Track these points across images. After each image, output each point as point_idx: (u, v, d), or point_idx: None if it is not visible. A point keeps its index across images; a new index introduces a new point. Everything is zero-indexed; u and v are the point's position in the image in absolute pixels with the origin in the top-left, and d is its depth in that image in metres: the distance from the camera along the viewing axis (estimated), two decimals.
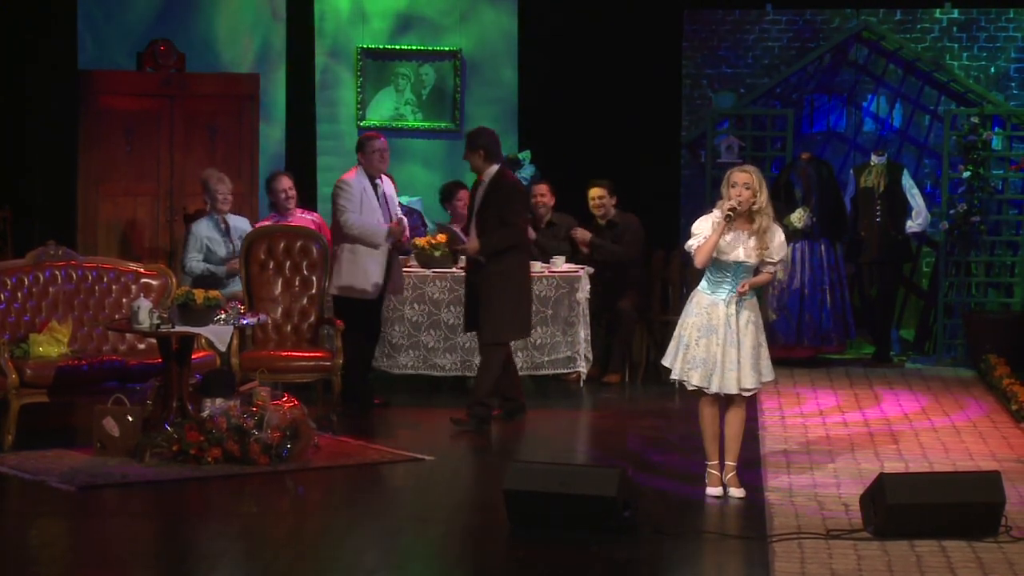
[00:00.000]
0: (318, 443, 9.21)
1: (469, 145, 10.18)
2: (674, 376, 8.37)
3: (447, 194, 12.32)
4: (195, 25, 13.07)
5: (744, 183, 8.15)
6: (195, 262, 11.38)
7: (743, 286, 8.21)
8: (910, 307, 13.96)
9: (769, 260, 8.25)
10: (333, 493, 8.59)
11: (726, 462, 8.35)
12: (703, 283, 8.34)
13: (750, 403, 8.75)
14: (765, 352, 8.34)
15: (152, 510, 8.16)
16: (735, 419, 8.34)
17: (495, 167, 10.12)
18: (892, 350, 13.19)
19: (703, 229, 8.23)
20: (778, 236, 8.29)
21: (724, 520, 7.87)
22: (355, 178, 10.69)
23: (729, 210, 8.11)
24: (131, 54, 12.80)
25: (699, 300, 8.30)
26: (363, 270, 10.61)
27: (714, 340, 8.22)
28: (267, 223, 11.53)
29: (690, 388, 8.32)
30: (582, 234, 12.06)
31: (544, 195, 12.20)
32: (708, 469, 8.38)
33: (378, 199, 10.67)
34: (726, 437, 8.34)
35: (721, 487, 8.33)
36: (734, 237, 8.20)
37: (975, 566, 6.86)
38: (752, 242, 8.20)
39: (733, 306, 8.23)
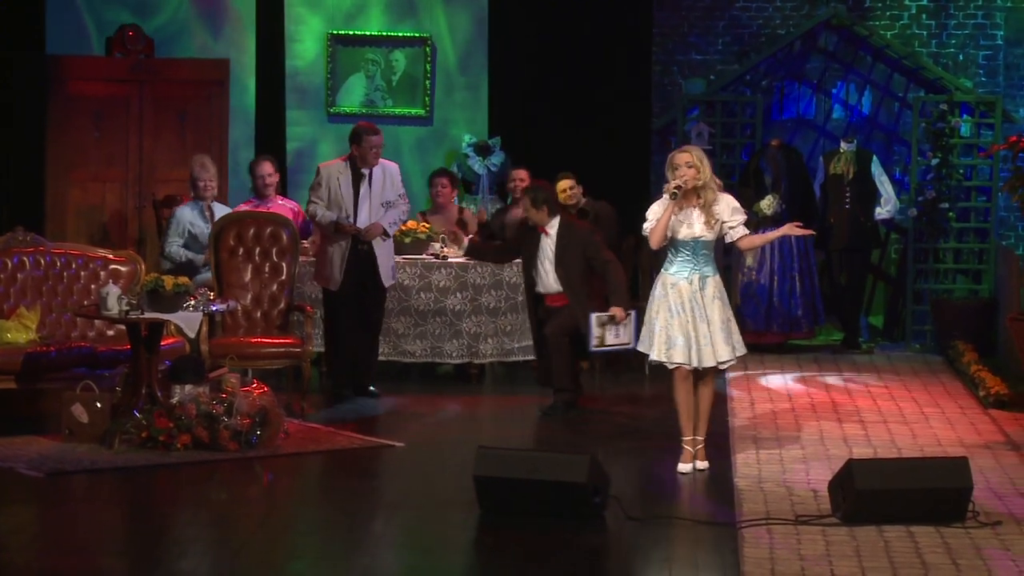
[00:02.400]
0: (288, 430, 9.21)
1: (533, 202, 10.31)
2: (653, 358, 8.52)
3: (428, 180, 12.35)
4: (164, 10, 13.02)
5: (686, 163, 8.46)
6: (176, 247, 11.34)
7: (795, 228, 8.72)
8: (879, 294, 14.01)
9: (730, 226, 8.52)
10: (303, 480, 8.59)
11: (696, 436, 8.58)
12: (666, 264, 8.59)
13: (719, 383, 8.86)
14: (735, 326, 8.61)
15: (121, 497, 8.14)
16: (707, 394, 8.60)
17: (557, 218, 10.33)
18: (861, 336, 13.23)
19: (655, 212, 8.52)
20: (727, 202, 8.56)
21: (693, 506, 7.89)
22: (333, 167, 10.64)
23: (675, 188, 8.39)
24: (100, 39, 12.75)
25: (663, 281, 8.54)
26: (329, 260, 10.60)
27: (685, 318, 8.45)
28: (245, 208, 11.53)
29: (671, 367, 8.49)
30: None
31: (524, 180, 12.17)
32: (683, 445, 8.59)
33: (360, 190, 10.57)
34: (699, 412, 8.59)
35: (692, 464, 8.54)
36: (685, 215, 8.48)
37: (943, 551, 6.90)
38: (703, 217, 8.47)
39: (696, 283, 8.49)
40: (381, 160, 10.67)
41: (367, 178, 10.62)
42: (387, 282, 10.78)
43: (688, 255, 8.49)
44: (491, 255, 11.04)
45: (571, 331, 10.15)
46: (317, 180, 10.61)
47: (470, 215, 12.37)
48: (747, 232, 8.63)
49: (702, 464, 8.60)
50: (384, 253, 10.70)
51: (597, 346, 9.96)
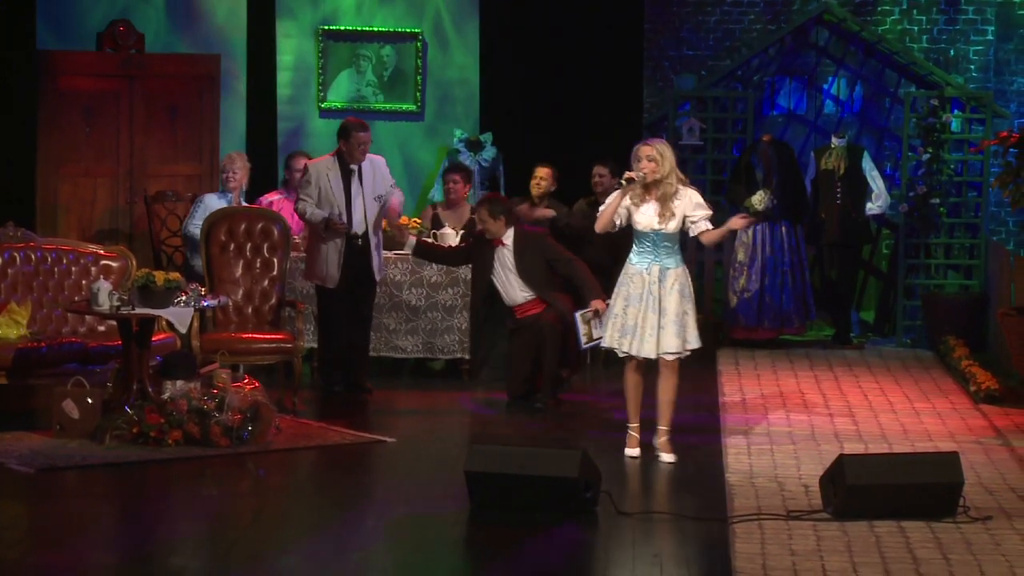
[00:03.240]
0: (279, 425, 9.20)
1: (491, 214, 10.38)
2: (605, 344, 8.86)
3: (442, 176, 12.36)
4: (155, 5, 13.00)
5: (647, 156, 8.66)
6: (195, 227, 11.32)
7: (739, 222, 8.92)
8: (870, 289, 14.02)
9: (692, 220, 8.70)
10: (294, 475, 8.59)
11: (659, 426, 8.77)
12: (630, 255, 8.81)
13: (711, 378, 8.87)
14: (691, 320, 8.73)
15: (112, 492, 8.13)
16: (666, 385, 8.75)
17: (512, 229, 10.43)
18: (852, 332, 13.25)
19: (611, 198, 8.83)
20: (691, 197, 8.72)
21: (685, 501, 7.90)
22: (321, 164, 10.61)
23: (624, 179, 8.67)
24: (90, 34, 12.73)
25: (626, 270, 8.80)
26: (323, 258, 10.56)
27: (638, 307, 8.67)
28: (273, 197, 11.76)
29: (620, 355, 8.76)
30: (542, 212, 12.04)
31: (546, 178, 12.13)
32: (628, 431, 8.85)
33: (351, 186, 10.54)
34: (659, 402, 8.77)
35: (639, 448, 8.81)
36: (646, 207, 8.70)
37: (933, 546, 6.91)
38: (658, 209, 8.66)
39: (656, 274, 8.68)
40: (367, 155, 10.66)
41: (357, 174, 10.58)
42: (379, 276, 10.77)
43: (648, 246, 8.72)
44: (440, 257, 10.99)
45: (564, 327, 10.19)
46: (306, 178, 10.58)
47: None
48: (709, 227, 8.74)
49: (667, 456, 8.70)
50: (377, 247, 10.70)
51: (587, 343, 10.02)
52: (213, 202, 11.45)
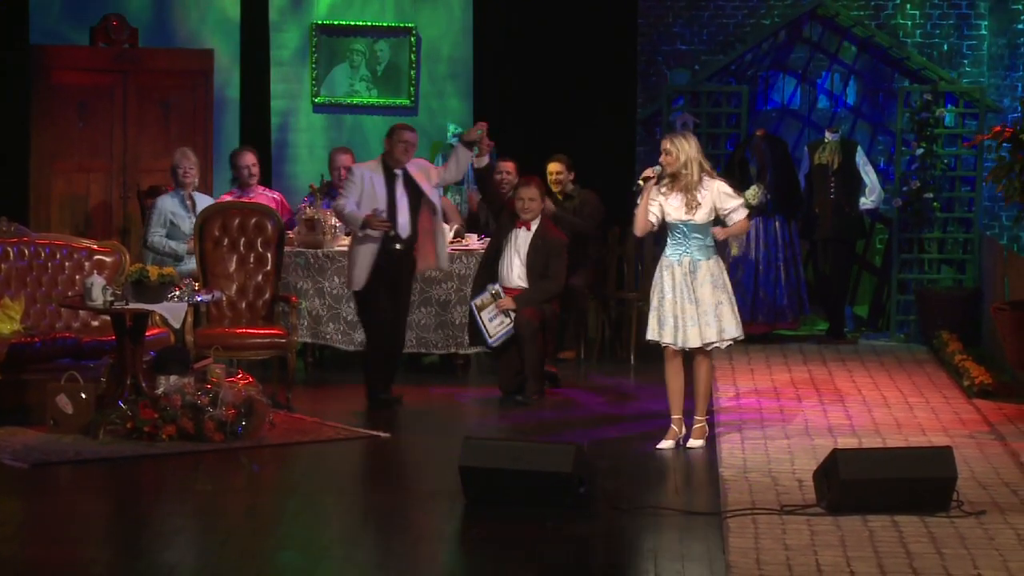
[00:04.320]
0: (273, 420, 9.20)
1: (541, 194, 10.56)
2: (649, 337, 8.96)
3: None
4: (149, 0, 12.98)
5: (664, 149, 8.87)
6: (157, 237, 11.32)
7: (720, 233, 8.92)
8: (863, 284, 14.03)
9: (725, 212, 8.86)
10: (288, 470, 8.59)
11: (694, 415, 8.92)
12: (665, 247, 8.98)
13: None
14: (727, 310, 8.88)
15: (106, 487, 8.13)
16: (702, 375, 8.92)
17: (539, 219, 10.54)
18: (846, 326, 13.25)
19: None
20: (717, 188, 8.86)
21: (679, 496, 7.91)
22: (366, 167, 10.24)
23: (641, 179, 8.90)
24: (84, 29, 12.72)
25: (661, 263, 8.95)
26: (355, 260, 10.25)
27: (674, 299, 8.82)
28: (227, 198, 11.52)
29: (663, 345, 8.88)
30: (548, 205, 12.00)
31: (511, 172, 12.12)
32: (671, 423, 8.95)
33: (395, 190, 10.24)
34: (696, 392, 8.93)
35: (674, 442, 8.89)
36: (673, 199, 8.86)
37: (927, 541, 6.92)
38: (684, 199, 8.82)
39: (687, 265, 8.84)
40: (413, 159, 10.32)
41: (401, 178, 10.21)
42: (444, 265, 10.62)
43: (680, 238, 8.88)
44: (489, 193, 11.12)
45: (540, 321, 10.23)
46: (350, 179, 10.21)
47: (448, 202, 12.27)
48: (741, 218, 8.92)
49: (696, 442, 8.88)
50: (442, 238, 10.49)
51: (478, 307, 10.37)
52: (167, 204, 11.37)
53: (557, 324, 10.89)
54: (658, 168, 8.86)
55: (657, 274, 8.95)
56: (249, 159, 11.66)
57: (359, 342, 11.33)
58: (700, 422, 8.98)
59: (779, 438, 9.15)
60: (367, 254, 10.14)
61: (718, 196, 8.85)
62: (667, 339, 8.85)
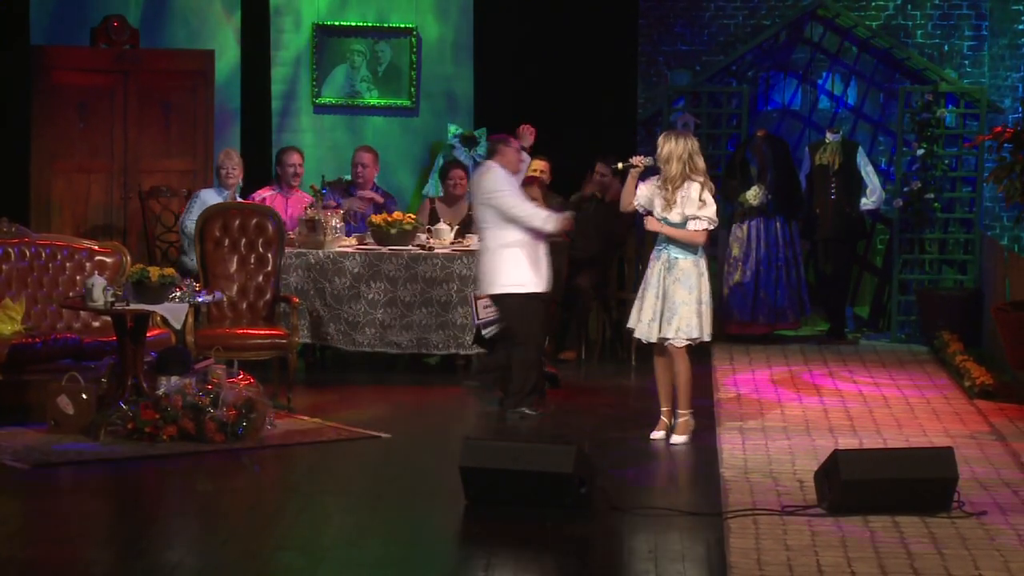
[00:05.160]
0: (274, 421, 9.20)
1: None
2: (629, 325, 9.22)
3: (442, 172, 12.35)
4: (149, 0, 12.98)
5: (658, 145, 9.10)
6: (191, 223, 11.29)
7: (651, 223, 9.08)
8: (864, 284, 14.03)
9: (691, 216, 8.98)
10: (289, 471, 8.59)
11: (675, 409, 9.13)
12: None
13: (705, 374, 8.94)
14: (691, 310, 8.98)
15: (107, 488, 8.13)
16: (680, 371, 9.08)
17: None
18: (846, 327, 13.25)
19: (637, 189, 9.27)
20: (692, 190, 8.98)
21: (679, 497, 7.91)
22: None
23: (623, 163, 9.25)
24: (84, 30, 12.71)
25: (651, 256, 9.19)
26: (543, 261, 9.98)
27: (650, 293, 9.06)
28: (268, 192, 11.73)
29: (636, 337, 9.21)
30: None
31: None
32: (661, 415, 9.22)
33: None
34: (677, 388, 9.12)
35: (663, 432, 9.13)
36: (658, 196, 9.08)
37: (928, 541, 6.92)
38: (666, 196, 9.03)
39: (664, 261, 9.05)
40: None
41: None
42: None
43: (662, 236, 9.09)
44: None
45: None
46: (517, 187, 10.05)
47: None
48: (700, 228, 8.99)
49: (679, 438, 9.06)
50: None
51: (477, 296, 10.36)
52: (210, 197, 11.43)
53: (557, 325, 10.89)
54: (648, 160, 9.12)
55: (648, 265, 9.21)
56: (296, 158, 11.94)
57: (360, 342, 11.34)
58: (683, 416, 9.11)
59: (780, 438, 9.15)
60: (545, 253, 9.95)
61: (688, 200, 8.96)
62: (632, 326, 9.17)
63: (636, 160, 9.20)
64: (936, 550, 6.79)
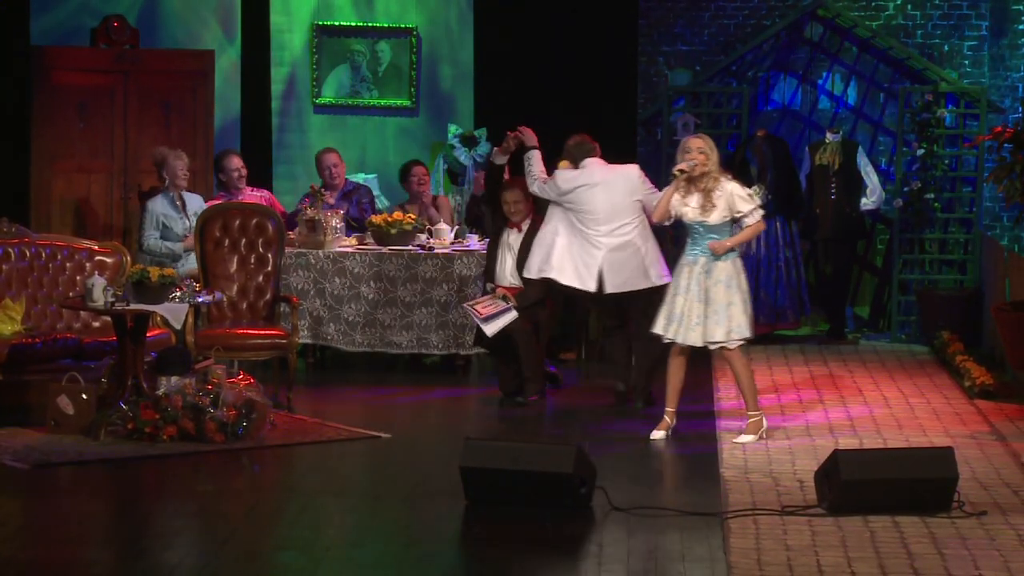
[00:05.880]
0: (274, 421, 9.20)
1: (526, 196, 10.40)
2: (655, 330, 9.14)
3: (403, 172, 12.33)
4: (149, 1, 12.98)
5: (698, 148, 9.04)
6: (152, 240, 11.34)
7: (716, 246, 9.02)
8: (864, 284, 14.03)
9: (738, 214, 9.00)
10: (289, 471, 8.59)
11: (747, 412, 9.12)
12: (684, 247, 9.19)
13: (706, 373, 8.92)
14: (738, 310, 9.02)
15: (107, 488, 8.13)
16: (737, 371, 9.11)
17: (530, 218, 10.42)
18: (846, 327, 13.25)
19: (664, 191, 9.21)
20: (729, 189, 9.00)
21: (679, 497, 7.90)
22: None
23: (676, 170, 8.98)
24: (84, 30, 12.71)
25: (680, 262, 9.15)
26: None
27: (685, 297, 9.01)
28: (218, 202, 11.52)
29: (665, 341, 9.11)
30: None
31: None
32: (664, 415, 9.19)
33: None
34: (740, 390, 9.18)
35: (664, 432, 9.12)
36: (691, 199, 9.04)
37: (928, 541, 6.92)
38: (701, 200, 8.99)
39: (703, 264, 8.99)
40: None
41: None
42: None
43: (696, 238, 9.07)
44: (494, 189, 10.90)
45: (533, 321, 10.22)
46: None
47: (445, 201, 12.40)
48: (753, 221, 9.04)
49: (746, 437, 9.02)
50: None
51: (470, 304, 10.36)
52: (158, 206, 11.38)
53: (555, 324, 10.88)
54: (692, 164, 9.00)
55: (676, 271, 9.18)
56: (236, 162, 11.82)
57: (360, 343, 11.34)
58: (753, 417, 9.10)
59: (780, 438, 9.15)
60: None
61: (732, 199, 9.00)
62: (670, 335, 9.07)
63: (684, 166, 9.03)
64: (936, 550, 6.79)
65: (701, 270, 9.01)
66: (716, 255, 8.98)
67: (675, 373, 9.16)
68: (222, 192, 11.83)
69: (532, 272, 10.15)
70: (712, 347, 9.06)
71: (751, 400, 9.11)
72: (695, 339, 9.01)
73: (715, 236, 9.00)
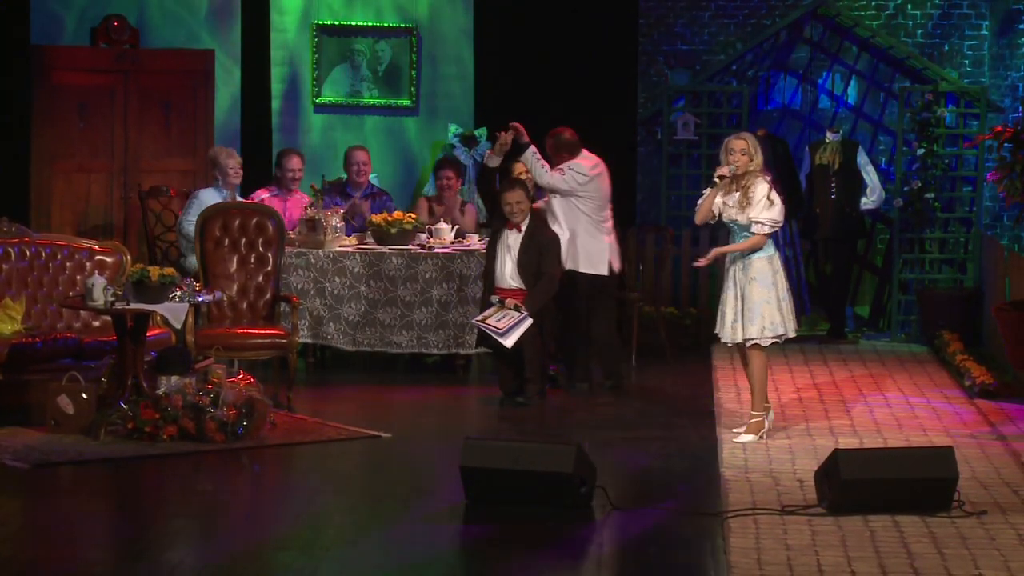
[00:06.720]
0: (274, 420, 9.20)
1: (528, 196, 10.60)
2: (716, 331, 9.20)
3: (435, 168, 12.35)
4: (149, 1, 12.98)
5: (740, 149, 9.02)
6: (192, 225, 11.25)
7: (703, 261, 9.24)
8: (864, 284, 14.03)
9: (754, 219, 8.96)
10: (289, 470, 8.59)
11: (751, 411, 9.12)
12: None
13: (706, 373, 8.89)
14: (771, 308, 9.00)
15: (107, 488, 8.13)
16: (752, 370, 9.07)
17: (529, 218, 10.52)
18: (847, 327, 13.25)
19: (706, 194, 9.21)
20: (760, 191, 8.98)
21: (680, 496, 7.90)
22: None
23: (717, 177, 9.05)
24: (84, 29, 12.72)
25: (726, 263, 9.17)
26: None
27: (726, 295, 9.09)
28: (264, 194, 11.70)
29: (722, 341, 9.16)
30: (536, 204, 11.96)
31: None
32: (758, 418, 9.17)
33: None
34: (750, 388, 9.16)
35: (755, 436, 9.04)
36: (729, 199, 9.05)
37: (928, 541, 6.92)
38: (739, 199, 8.99)
39: (740, 263, 9.03)
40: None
41: None
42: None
43: (736, 236, 9.09)
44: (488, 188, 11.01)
45: (539, 324, 10.22)
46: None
47: (471, 208, 12.32)
48: (761, 232, 8.98)
49: (746, 437, 9.00)
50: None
51: (480, 320, 10.27)
52: (209, 197, 11.41)
53: (556, 325, 10.88)
54: (733, 168, 8.97)
55: (725, 273, 9.21)
56: (296, 163, 11.92)
57: (360, 342, 11.34)
58: (756, 417, 9.08)
59: (780, 438, 9.15)
60: None
61: (756, 200, 8.97)
62: (716, 330, 9.18)
63: (725, 171, 9.02)
64: (936, 550, 6.78)
65: (740, 268, 9.04)
66: (699, 267, 9.16)
67: (752, 374, 9.09)
68: (273, 187, 11.93)
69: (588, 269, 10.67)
70: (748, 344, 9.03)
71: (758, 400, 9.10)
72: (731, 335, 9.05)
73: (749, 235, 9.02)
